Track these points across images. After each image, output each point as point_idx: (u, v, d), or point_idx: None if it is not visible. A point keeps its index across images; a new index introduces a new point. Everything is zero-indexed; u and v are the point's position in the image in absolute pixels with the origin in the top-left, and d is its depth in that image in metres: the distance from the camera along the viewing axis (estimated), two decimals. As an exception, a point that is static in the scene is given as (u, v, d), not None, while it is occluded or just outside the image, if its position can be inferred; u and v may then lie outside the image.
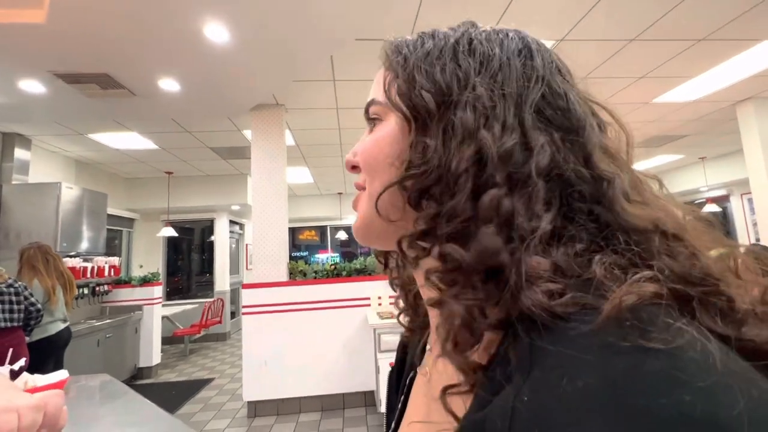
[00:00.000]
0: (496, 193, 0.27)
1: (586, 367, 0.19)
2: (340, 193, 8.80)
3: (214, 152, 5.39)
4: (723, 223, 6.91)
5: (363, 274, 3.94)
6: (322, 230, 10.06)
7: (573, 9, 2.60)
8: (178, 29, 2.51)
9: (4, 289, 2.62)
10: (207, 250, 7.71)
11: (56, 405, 0.36)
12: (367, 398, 3.67)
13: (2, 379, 0.41)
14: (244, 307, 3.67)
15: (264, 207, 3.83)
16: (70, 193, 4.18)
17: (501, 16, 2.57)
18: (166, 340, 6.17)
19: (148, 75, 3.08)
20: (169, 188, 6.36)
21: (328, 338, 3.67)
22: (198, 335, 6.60)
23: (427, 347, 0.39)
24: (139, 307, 5.01)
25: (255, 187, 3.87)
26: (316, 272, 3.92)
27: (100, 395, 1.86)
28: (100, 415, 1.70)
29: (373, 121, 0.36)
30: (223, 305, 7.03)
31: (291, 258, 4.26)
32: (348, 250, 9.98)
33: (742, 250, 0.28)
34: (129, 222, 6.70)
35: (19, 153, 4.22)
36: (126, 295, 5.01)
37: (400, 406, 0.41)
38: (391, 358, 0.50)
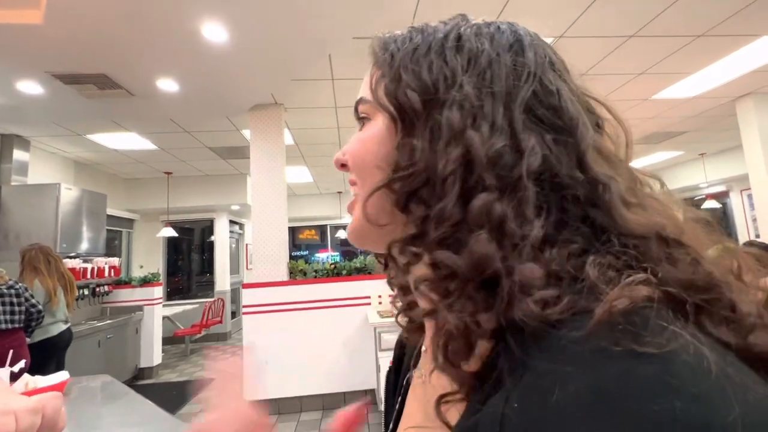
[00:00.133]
0: (487, 197, 0.26)
1: (577, 373, 0.19)
2: (339, 192, 8.80)
3: (214, 152, 5.38)
4: (723, 219, 6.92)
5: (363, 273, 3.94)
6: (321, 229, 10.06)
7: (571, 5, 2.59)
8: (176, 29, 2.50)
9: (5, 291, 2.62)
10: (207, 250, 7.71)
11: (54, 407, 0.36)
12: (368, 397, 3.67)
13: (-1, 383, 0.40)
14: (244, 306, 3.67)
15: (264, 206, 3.83)
16: (69, 194, 4.18)
17: (499, 13, 2.56)
18: (167, 341, 6.17)
19: (146, 75, 3.07)
20: (168, 188, 6.35)
21: (329, 337, 3.67)
22: (199, 335, 6.60)
23: (423, 348, 0.38)
24: (140, 308, 5.01)
25: (254, 187, 3.87)
26: (316, 271, 3.92)
27: (102, 396, 1.86)
28: (102, 416, 1.70)
29: (362, 120, 0.36)
30: (223, 305, 7.03)
31: (291, 257, 4.26)
32: (348, 249, 9.97)
33: (743, 249, 0.27)
34: (129, 222, 6.70)
35: (18, 154, 4.22)
36: (126, 296, 5.01)
37: (397, 407, 0.40)
38: (392, 356, 0.49)
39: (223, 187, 6.70)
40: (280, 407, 3.63)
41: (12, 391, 0.36)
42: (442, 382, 0.28)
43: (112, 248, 6.12)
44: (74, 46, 2.62)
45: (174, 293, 7.43)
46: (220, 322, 6.88)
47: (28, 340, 2.79)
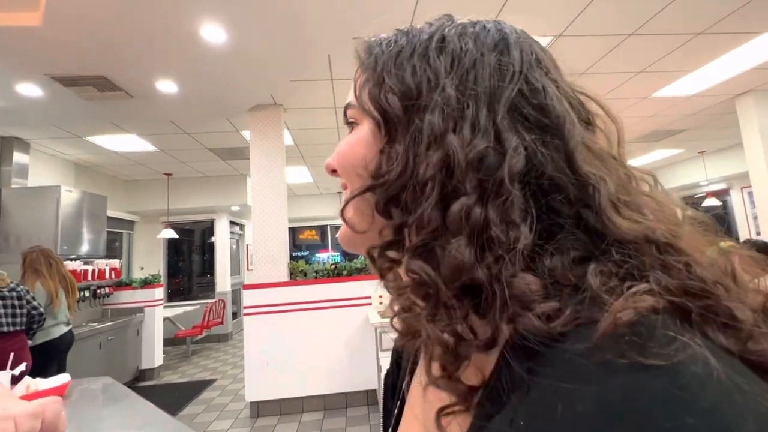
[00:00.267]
0: (465, 201, 0.25)
1: (583, 389, 0.19)
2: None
3: (213, 153, 5.39)
4: (724, 216, 6.91)
5: (364, 273, 3.94)
6: (322, 229, 10.06)
7: (570, 4, 2.59)
8: (175, 31, 2.50)
9: (6, 293, 2.62)
10: (207, 251, 7.71)
11: (54, 411, 0.36)
12: (370, 397, 3.67)
13: (-1, 387, 0.40)
14: (245, 307, 3.67)
15: (264, 207, 3.83)
16: (69, 196, 4.18)
17: (498, 12, 2.56)
18: (168, 342, 6.18)
19: (145, 77, 3.07)
20: (168, 190, 6.36)
21: (330, 338, 3.67)
22: (200, 336, 6.61)
23: (422, 354, 0.38)
24: (141, 309, 5.01)
25: (254, 188, 3.87)
26: (316, 272, 3.92)
27: (103, 398, 1.86)
28: (103, 418, 1.70)
29: (351, 124, 0.35)
30: (224, 306, 7.03)
31: (291, 258, 4.25)
32: (349, 249, 9.96)
33: (739, 251, 0.27)
34: (129, 224, 6.70)
35: (18, 157, 4.22)
36: (127, 298, 5.02)
37: (396, 411, 0.40)
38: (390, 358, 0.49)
39: (223, 188, 6.70)
40: (282, 408, 3.63)
41: (12, 396, 0.36)
42: (441, 394, 0.27)
43: (112, 250, 6.12)
44: (73, 49, 2.62)
45: (175, 294, 7.43)
46: (221, 323, 6.88)
47: (29, 342, 2.79)
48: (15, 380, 1.67)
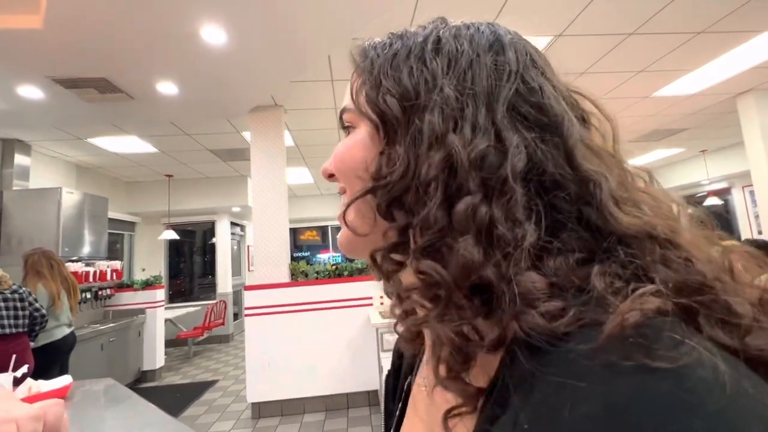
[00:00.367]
0: (471, 200, 0.25)
1: (588, 390, 0.18)
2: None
3: (214, 154, 5.39)
4: (725, 215, 6.89)
5: (365, 273, 3.94)
6: (323, 230, 10.06)
7: (571, 4, 2.58)
8: (175, 32, 2.51)
9: (9, 295, 2.63)
10: (209, 252, 7.72)
11: (56, 414, 0.36)
12: (371, 398, 3.67)
13: (0, 390, 0.40)
14: (246, 308, 3.68)
15: (264, 208, 3.83)
16: (71, 197, 4.19)
17: (497, 13, 2.56)
18: (170, 343, 6.18)
19: (146, 79, 3.08)
20: (169, 191, 6.37)
21: (331, 338, 3.67)
22: (201, 337, 6.61)
23: (425, 359, 0.37)
24: (142, 311, 5.02)
25: (255, 189, 3.87)
26: (317, 272, 3.92)
27: (104, 399, 1.86)
28: (105, 420, 1.70)
29: (347, 129, 0.35)
30: (225, 307, 7.04)
31: (292, 258, 4.26)
32: (349, 249, 9.95)
33: (738, 247, 0.27)
34: (130, 225, 6.71)
35: (20, 159, 4.23)
36: (128, 299, 5.02)
37: (398, 413, 0.40)
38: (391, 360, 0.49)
39: (224, 189, 6.71)
40: (284, 409, 3.63)
41: (14, 398, 0.36)
42: (447, 396, 0.27)
43: (114, 251, 6.13)
44: (74, 51, 2.63)
45: (176, 296, 7.44)
46: (223, 324, 6.89)
47: (32, 344, 2.79)
48: (17, 382, 1.67)
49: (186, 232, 7.56)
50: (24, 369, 1.66)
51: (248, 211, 7.07)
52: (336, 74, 3.33)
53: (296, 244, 9.98)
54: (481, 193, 0.26)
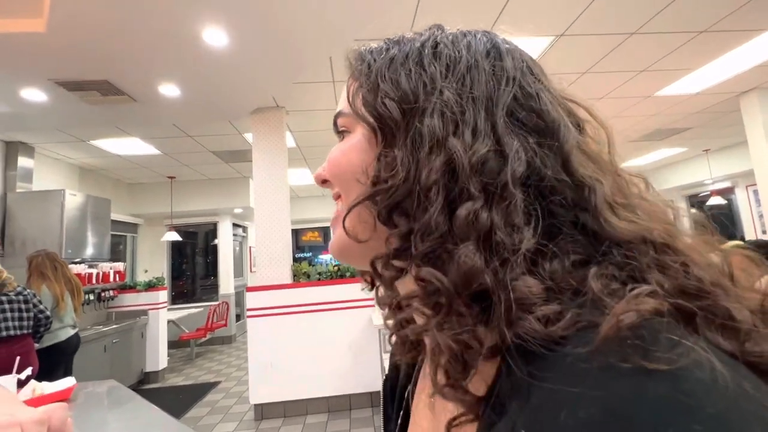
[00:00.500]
0: (472, 206, 0.25)
1: (585, 395, 0.18)
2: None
3: (216, 156, 5.41)
4: (727, 217, 6.86)
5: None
6: (325, 231, 10.07)
7: (572, 4, 2.58)
8: (177, 34, 2.51)
9: (14, 297, 2.64)
10: (211, 253, 7.74)
11: (60, 418, 0.36)
12: (374, 399, 3.66)
13: (4, 392, 0.40)
14: (248, 309, 3.68)
15: (266, 209, 3.84)
16: (74, 199, 4.21)
17: (499, 13, 2.55)
18: (172, 344, 6.19)
19: (148, 81, 3.09)
20: (171, 193, 6.39)
21: (334, 339, 3.67)
22: (204, 339, 6.62)
23: (426, 371, 0.36)
24: (145, 312, 5.03)
25: (257, 190, 3.88)
26: (319, 273, 3.92)
27: (108, 401, 1.87)
28: (108, 422, 1.70)
29: (342, 134, 0.35)
30: (228, 308, 7.05)
31: (294, 259, 4.26)
32: (351, 250, 9.96)
33: (737, 250, 0.26)
34: (133, 227, 6.74)
35: (23, 161, 4.25)
36: (131, 300, 5.04)
37: (400, 421, 0.39)
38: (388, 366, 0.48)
39: (226, 191, 6.72)
40: (286, 410, 3.63)
41: (18, 402, 0.36)
42: (448, 405, 0.27)
43: (116, 253, 6.15)
44: (77, 54, 2.64)
45: (178, 297, 7.46)
46: (225, 325, 6.90)
47: (36, 345, 2.80)
48: (21, 384, 1.68)
49: (188, 233, 7.58)
50: (28, 371, 1.66)
51: (250, 212, 7.08)
52: (337, 75, 3.33)
53: (298, 245, 10.00)
54: (482, 199, 0.26)
